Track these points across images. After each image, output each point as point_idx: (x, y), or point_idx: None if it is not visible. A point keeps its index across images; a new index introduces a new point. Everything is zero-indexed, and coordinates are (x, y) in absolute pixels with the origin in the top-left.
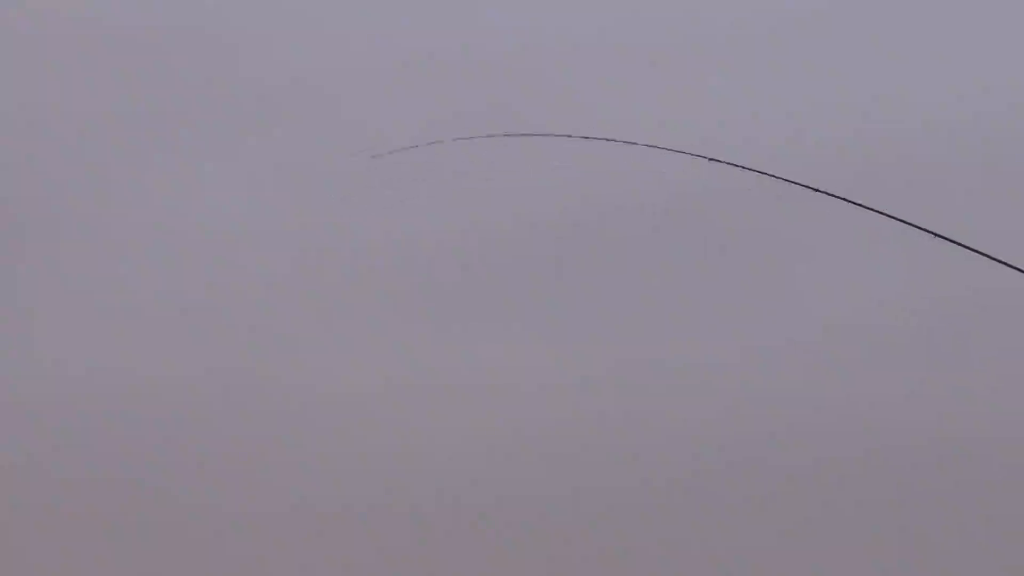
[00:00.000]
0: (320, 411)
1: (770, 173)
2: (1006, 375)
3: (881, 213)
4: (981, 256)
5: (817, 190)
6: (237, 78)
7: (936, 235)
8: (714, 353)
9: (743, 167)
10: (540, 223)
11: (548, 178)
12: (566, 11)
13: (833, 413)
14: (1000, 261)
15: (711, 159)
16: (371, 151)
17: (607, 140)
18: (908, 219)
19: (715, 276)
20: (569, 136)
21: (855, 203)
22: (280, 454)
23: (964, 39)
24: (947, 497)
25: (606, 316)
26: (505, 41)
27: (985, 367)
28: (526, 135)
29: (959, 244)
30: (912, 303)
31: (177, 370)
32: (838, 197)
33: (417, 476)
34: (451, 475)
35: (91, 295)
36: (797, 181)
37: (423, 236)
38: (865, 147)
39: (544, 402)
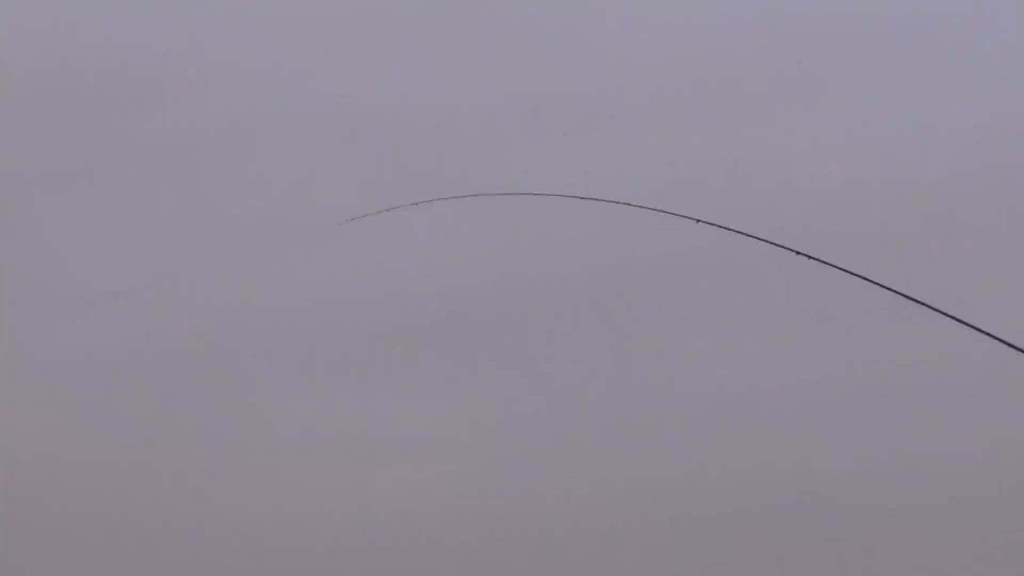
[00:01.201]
0: (243, 463)
1: (755, 235)
2: (977, 435)
3: (861, 277)
4: (953, 320)
5: (799, 253)
6: (175, 123)
7: (917, 302)
8: (690, 407)
9: (729, 228)
10: (511, 280)
11: (523, 237)
12: (539, 75)
13: (805, 471)
14: (969, 325)
15: (699, 220)
16: (335, 218)
17: (594, 200)
18: (889, 285)
19: (693, 333)
20: (553, 196)
21: (836, 267)
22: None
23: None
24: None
25: (569, 372)
26: (473, 101)
27: (958, 428)
28: (507, 194)
29: (938, 311)
30: (889, 364)
31: (102, 421)
32: (820, 260)
33: (348, 531)
34: (389, 528)
35: (26, 348)
36: (779, 243)
37: (367, 293)
38: (846, 209)
39: (498, 454)
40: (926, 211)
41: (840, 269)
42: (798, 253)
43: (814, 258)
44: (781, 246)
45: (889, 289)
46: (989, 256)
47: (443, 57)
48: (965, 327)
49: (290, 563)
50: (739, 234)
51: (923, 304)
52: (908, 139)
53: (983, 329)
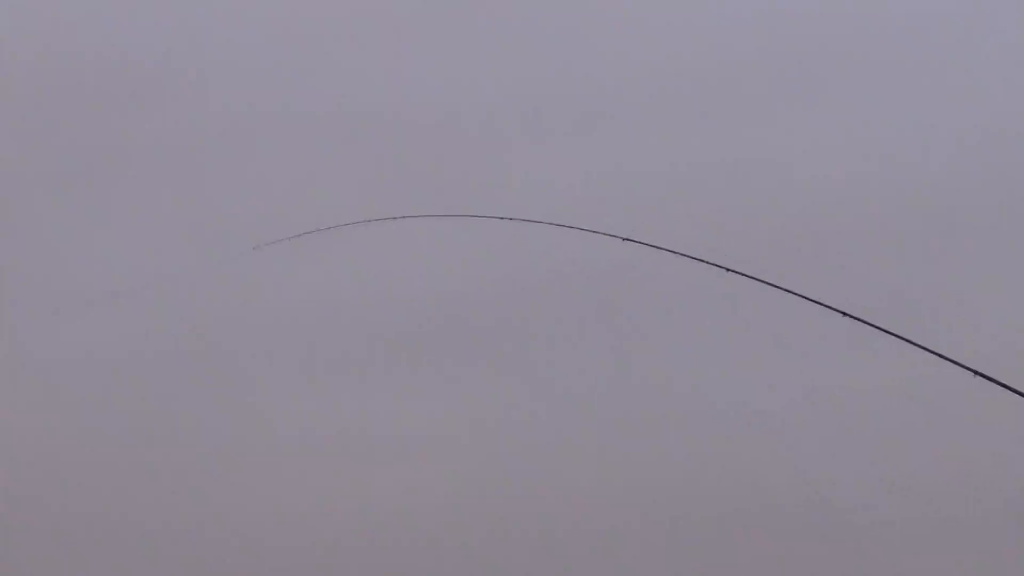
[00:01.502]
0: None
1: (683, 252)
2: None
3: (792, 292)
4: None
5: (729, 269)
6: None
7: (848, 315)
8: (674, 416)
9: (656, 247)
10: (510, 285)
11: (464, 257)
12: (539, 75)
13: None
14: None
15: (624, 239)
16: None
17: (524, 221)
18: (818, 299)
19: (620, 351)
20: (485, 217)
21: (767, 283)
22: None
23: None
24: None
25: (511, 388)
26: (473, 102)
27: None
28: (442, 216)
29: (876, 327)
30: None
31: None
32: (750, 276)
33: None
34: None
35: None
36: (709, 260)
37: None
38: (782, 227)
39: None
40: (926, 211)
41: (783, 289)
42: (728, 270)
43: (751, 277)
44: (714, 264)
45: (848, 315)
46: (989, 256)
47: (443, 58)
48: (922, 350)
49: (290, 563)
50: (671, 252)
51: (882, 329)
52: (908, 139)
53: (940, 353)
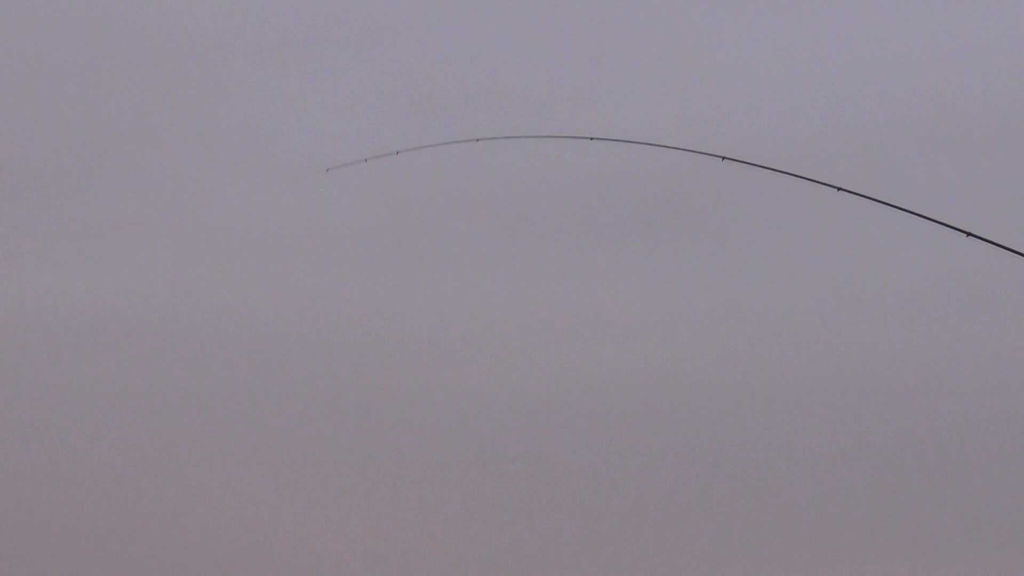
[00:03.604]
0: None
1: (783, 170)
2: None
3: (905, 210)
4: None
5: (840, 188)
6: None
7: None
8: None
9: (755, 164)
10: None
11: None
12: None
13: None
14: None
15: (724, 158)
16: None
17: (615, 141)
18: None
19: (716, 272)
20: (575, 137)
21: (876, 200)
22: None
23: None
24: None
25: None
26: (500, 44)
27: None
28: (535, 136)
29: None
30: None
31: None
32: (858, 194)
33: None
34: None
35: None
36: (816, 179)
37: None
38: (867, 135)
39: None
40: None
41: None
42: (839, 189)
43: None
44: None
45: None
46: None
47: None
48: None
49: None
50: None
51: None
52: None
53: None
